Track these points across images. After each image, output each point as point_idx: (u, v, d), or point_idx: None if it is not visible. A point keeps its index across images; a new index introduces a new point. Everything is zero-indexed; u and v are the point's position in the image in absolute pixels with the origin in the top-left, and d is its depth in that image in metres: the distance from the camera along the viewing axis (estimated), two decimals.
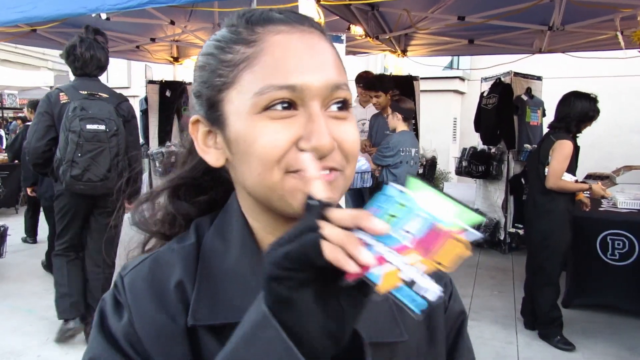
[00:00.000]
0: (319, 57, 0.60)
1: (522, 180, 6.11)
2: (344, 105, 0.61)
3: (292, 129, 0.57)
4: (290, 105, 0.58)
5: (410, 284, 0.45)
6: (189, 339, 0.61)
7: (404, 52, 6.36)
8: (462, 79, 9.44)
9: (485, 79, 6.48)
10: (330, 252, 0.45)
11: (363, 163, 3.60)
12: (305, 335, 0.48)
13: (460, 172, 6.51)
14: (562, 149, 3.54)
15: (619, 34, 4.61)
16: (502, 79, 6.01)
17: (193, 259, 0.66)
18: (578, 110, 3.56)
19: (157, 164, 6.95)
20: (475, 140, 6.56)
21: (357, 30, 5.29)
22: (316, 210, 0.49)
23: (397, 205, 0.48)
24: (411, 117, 4.33)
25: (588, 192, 3.78)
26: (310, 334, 0.48)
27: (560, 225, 3.66)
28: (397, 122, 4.27)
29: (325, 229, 0.46)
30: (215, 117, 0.63)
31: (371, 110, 5.21)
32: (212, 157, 0.65)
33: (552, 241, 3.67)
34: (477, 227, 0.46)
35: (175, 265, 0.65)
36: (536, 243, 3.82)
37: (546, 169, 3.61)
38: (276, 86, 0.57)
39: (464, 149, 6.47)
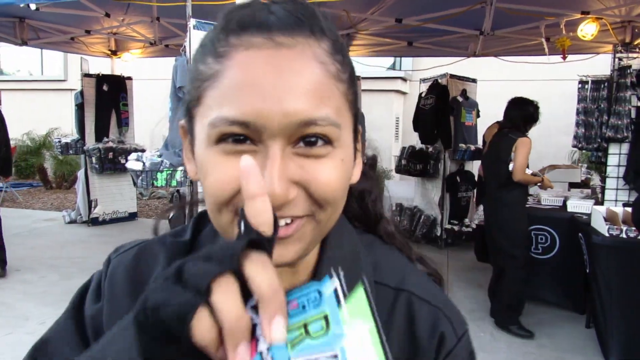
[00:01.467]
0: (286, 84, 0.48)
1: (458, 178, 6.36)
2: (323, 140, 0.50)
3: None
4: (248, 138, 0.49)
5: None
6: None
7: None
8: (404, 79, 9.68)
9: (424, 80, 6.68)
10: (201, 335, 0.36)
11: None
12: None
13: (399, 170, 6.69)
14: (524, 146, 3.94)
15: (543, 40, 4.89)
16: (439, 80, 6.22)
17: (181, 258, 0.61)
18: (525, 114, 4.01)
19: (94, 161, 6.72)
20: (416, 139, 6.76)
21: None
22: (236, 248, 0.38)
23: (322, 318, 0.37)
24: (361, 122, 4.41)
25: (540, 183, 4.31)
26: None
27: (521, 215, 4.05)
28: None
29: (219, 298, 0.36)
30: (190, 129, 0.55)
31: None
32: (191, 169, 0.58)
33: (515, 230, 4.01)
34: None
35: (160, 261, 0.62)
36: (499, 235, 4.08)
37: (510, 165, 3.98)
38: (228, 120, 0.48)
39: (403, 148, 6.66)
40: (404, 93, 9.92)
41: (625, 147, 4.28)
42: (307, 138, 0.49)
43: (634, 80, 4.13)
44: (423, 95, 6.45)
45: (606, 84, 4.40)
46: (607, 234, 3.49)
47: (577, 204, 4.42)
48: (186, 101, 0.56)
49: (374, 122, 8.13)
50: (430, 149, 6.35)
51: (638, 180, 4.13)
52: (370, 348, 0.37)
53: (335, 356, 0.36)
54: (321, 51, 0.51)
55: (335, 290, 0.38)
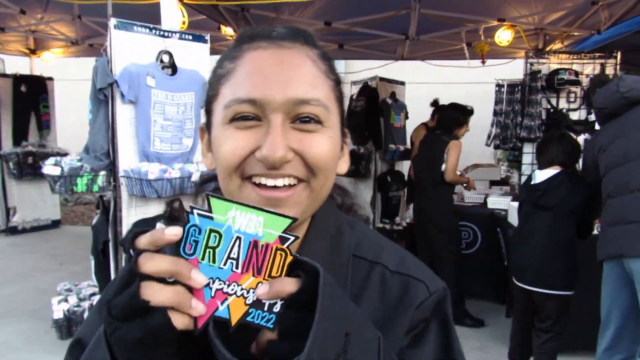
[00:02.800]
0: (286, 72, 0.62)
1: (388, 178, 6.53)
2: (315, 119, 0.63)
3: (252, 139, 0.62)
4: (254, 117, 0.62)
5: (257, 305, 0.49)
6: None
7: None
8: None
9: (355, 83, 6.81)
10: (181, 323, 0.48)
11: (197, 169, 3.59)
12: None
13: None
14: (456, 148, 4.20)
15: (464, 45, 5.13)
16: (369, 83, 6.37)
17: None
18: (453, 117, 4.33)
19: (12, 166, 6.34)
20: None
21: (227, 30, 5.30)
22: (133, 264, 0.48)
23: (212, 234, 0.49)
24: None
25: (466, 184, 4.62)
26: None
27: (452, 210, 4.35)
28: None
29: (161, 298, 0.47)
30: (208, 125, 0.70)
31: None
32: (208, 160, 0.72)
33: (449, 224, 4.27)
34: (288, 229, 0.49)
35: None
36: (434, 230, 4.27)
37: (443, 166, 4.21)
38: (239, 100, 0.62)
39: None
40: None
41: None
42: (302, 117, 0.62)
43: (543, 84, 4.43)
44: (354, 97, 6.57)
45: (519, 87, 4.68)
46: None
47: (497, 201, 4.68)
48: (205, 102, 0.70)
49: None
50: (362, 150, 6.47)
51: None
52: (245, 213, 0.49)
53: (235, 237, 0.49)
54: (313, 54, 0.67)
55: (200, 214, 0.50)
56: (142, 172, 3.12)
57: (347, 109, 6.74)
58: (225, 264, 0.49)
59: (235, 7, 4.81)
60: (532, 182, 3.14)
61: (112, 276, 3.24)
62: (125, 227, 3.22)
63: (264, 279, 0.49)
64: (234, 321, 0.48)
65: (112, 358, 0.50)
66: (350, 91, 6.99)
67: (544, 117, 4.49)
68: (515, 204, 4.12)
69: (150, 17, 3.51)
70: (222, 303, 0.48)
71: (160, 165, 3.23)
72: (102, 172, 3.22)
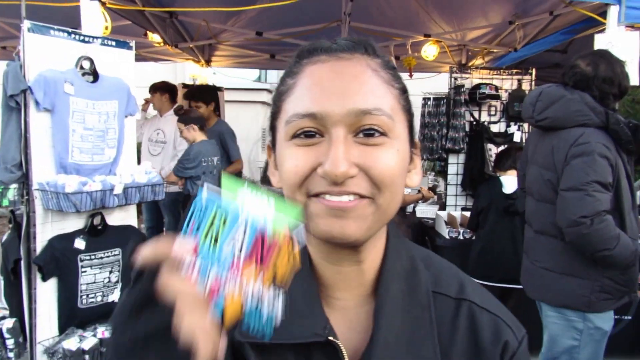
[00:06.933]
0: (346, 83, 0.60)
1: None
2: (379, 131, 0.59)
3: (313, 155, 0.59)
4: (317, 133, 0.60)
5: (256, 304, 0.43)
6: (232, 353, 0.62)
7: (208, 62, 6.36)
8: (269, 91, 9.81)
9: None
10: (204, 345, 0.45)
11: (154, 175, 3.47)
12: None
13: (264, 181, 6.72)
14: None
15: (392, 58, 5.27)
16: None
17: None
18: None
19: None
20: None
21: (154, 37, 5.13)
22: (149, 277, 0.47)
23: (217, 214, 0.44)
24: (203, 123, 4.36)
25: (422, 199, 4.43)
26: None
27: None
28: (194, 134, 4.24)
29: (192, 321, 0.44)
30: (273, 143, 0.68)
31: (170, 119, 5.07)
32: (275, 179, 0.69)
33: None
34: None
35: None
36: None
37: None
38: (299, 115, 0.60)
39: (267, 160, 6.71)
40: (270, 105, 10.05)
41: (462, 157, 4.77)
42: (365, 129, 0.59)
43: (466, 97, 4.63)
44: None
45: (444, 100, 4.88)
46: (447, 237, 3.85)
47: (424, 210, 4.82)
48: (269, 120, 0.68)
49: (240, 133, 8.06)
50: None
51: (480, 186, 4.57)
52: (256, 197, 0.44)
53: (242, 222, 0.43)
54: (374, 63, 0.64)
55: (209, 192, 0.45)
56: (58, 185, 2.93)
57: None
58: (228, 247, 0.43)
59: (163, 14, 4.67)
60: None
61: (24, 297, 3.01)
62: (40, 244, 3.01)
63: (266, 275, 0.43)
64: (228, 322, 0.44)
65: None
66: None
67: (467, 129, 4.69)
68: (442, 213, 4.28)
69: (71, 20, 3.33)
70: (217, 296, 0.43)
71: (80, 177, 3.05)
72: (14, 185, 2.99)
